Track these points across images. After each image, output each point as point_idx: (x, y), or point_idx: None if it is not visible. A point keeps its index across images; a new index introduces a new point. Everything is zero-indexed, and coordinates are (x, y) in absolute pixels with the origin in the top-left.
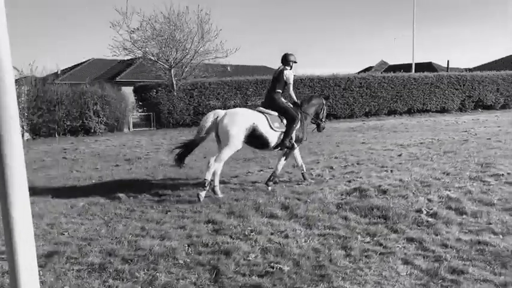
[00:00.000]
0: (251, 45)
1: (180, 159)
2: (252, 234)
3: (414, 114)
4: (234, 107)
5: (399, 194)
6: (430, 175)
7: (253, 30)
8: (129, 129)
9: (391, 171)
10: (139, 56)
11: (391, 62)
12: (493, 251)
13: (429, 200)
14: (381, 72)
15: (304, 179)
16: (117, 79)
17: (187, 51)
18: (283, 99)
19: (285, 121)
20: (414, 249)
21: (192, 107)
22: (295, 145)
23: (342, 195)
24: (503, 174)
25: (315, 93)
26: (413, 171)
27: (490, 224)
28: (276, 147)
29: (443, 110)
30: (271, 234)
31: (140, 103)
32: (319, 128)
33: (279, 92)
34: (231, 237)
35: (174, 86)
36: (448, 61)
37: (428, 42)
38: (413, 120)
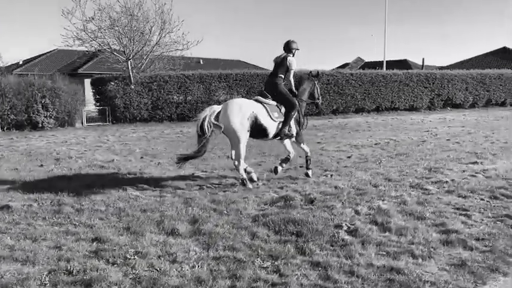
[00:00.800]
0: (227, 39)
1: (184, 161)
2: (133, 257)
3: (382, 113)
4: (196, 101)
5: (326, 205)
6: (370, 181)
7: (229, 24)
8: (82, 124)
9: (331, 175)
10: (95, 46)
11: (368, 59)
12: (402, 282)
13: (356, 212)
14: (357, 69)
15: (283, 164)
16: (80, 71)
17: (144, 42)
18: (283, 86)
19: (283, 110)
20: (315, 279)
21: (150, 102)
22: (294, 134)
23: (265, 204)
24: (447, 182)
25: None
26: (355, 176)
27: (413, 244)
28: (274, 136)
29: (412, 109)
30: (158, 257)
31: (98, 96)
32: (318, 107)
33: (281, 77)
34: (107, 261)
35: (132, 78)
36: (423, 59)
37: (408, 40)
38: (380, 118)
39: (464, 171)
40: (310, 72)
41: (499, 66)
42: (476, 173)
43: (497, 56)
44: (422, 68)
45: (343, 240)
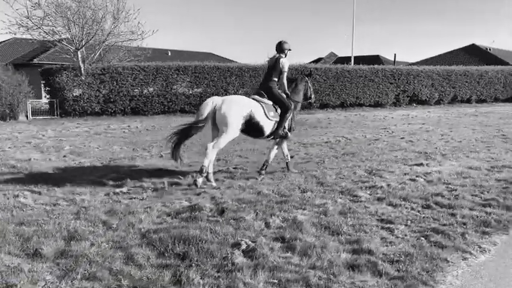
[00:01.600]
0: (201, 32)
1: (176, 148)
2: None
3: (347, 109)
4: (152, 95)
5: (237, 216)
6: (300, 185)
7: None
8: (27, 117)
9: (262, 178)
10: (42, 35)
11: (342, 54)
12: None
13: (267, 225)
14: (330, 64)
15: (288, 169)
16: (35, 61)
17: (95, 31)
18: (277, 89)
19: (279, 110)
20: None
21: (102, 94)
22: (289, 134)
23: (168, 216)
24: (382, 187)
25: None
26: (287, 180)
27: (314, 268)
28: (269, 136)
29: (377, 105)
30: None
31: (48, 88)
32: (311, 104)
33: (275, 81)
34: None
35: (82, 70)
36: (395, 55)
37: (382, 36)
38: (343, 115)
39: (406, 174)
40: (302, 71)
41: (468, 62)
42: (417, 176)
43: (466, 53)
44: (394, 64)
45: (233, 264)
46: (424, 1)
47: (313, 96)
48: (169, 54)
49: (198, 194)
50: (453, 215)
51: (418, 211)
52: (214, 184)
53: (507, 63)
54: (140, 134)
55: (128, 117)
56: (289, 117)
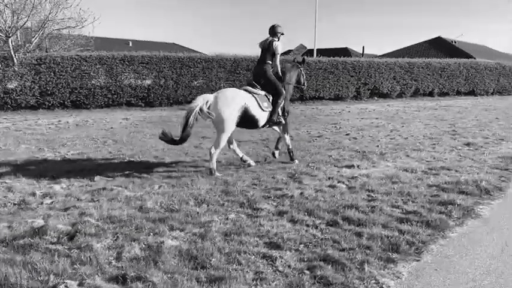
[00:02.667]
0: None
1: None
2: None
3: (307, 102)
4: (94, 86)
5: (88, 242)
6: (197, 196)
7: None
8: None
9: (160, 186)
10: None
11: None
12: None
13: (118, 257)
14: (300, 56)
15: (292, 159)
16: None
17: (27, 17)
18: (271, 72)
19: (271, 98)
20: None
21: (37, 86)
22: (282, 120)
23: (2, 243)
24: (292, 196)
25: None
26: (190, 188)
27: None
28: (263, 126)
29: (337, 98)
30: None
31: None
32: (303, 91)
33: (269, 64)
34: None
35: (14, 59)
36: (363, 47)
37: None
38: (299, 108)
39: (330, 178)
40: (295, 59)
41: (434, 55)
42: (340, 181)
43: (432, 45)
44: (362, 56)
45: None
46: None
47: (305, 83)
48: (130, 44)
49: (66, 209)
50: (360, 235)
51: (321, 230)
52: (217, 174)
53: (472, 57)
54: (65, 131)
55: (68, 111)
56: (282, 103)
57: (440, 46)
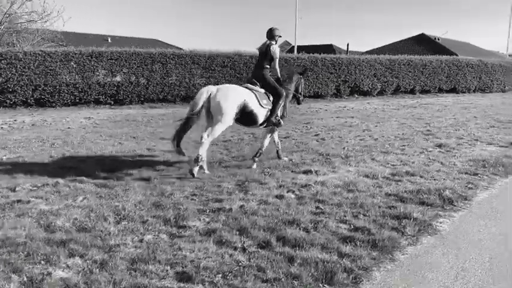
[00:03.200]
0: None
1: (177, 141)
2: None
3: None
4: (60, 84)
5: None
6: (121, 210)
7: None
8: None
9: (84, 198)
10: None
11: (297, 43)
12: None
13: None
14: (285, 53)
15: (280, 158)
16: None
17: None
18: (270, 76)
19: (271, 98)
20: None
21: None
22: (281, 121)
23: None
24: (230, 210)
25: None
26: (121, 198)
27: None
28: (262, 124)
29: (317, 96)
30: None
31: None
32: (298, 101)
33: (267, 68)
34: None
35: None
36: (347, 44)
37: (337, 25)
38: None
39: (281, 186)
40: (296, 68)
41: (417, 52)
42: (290, 191)
43: (415, 43)
44: (347, 53)
45: None
46: None
47: (302, 93)
48: (109, 40)
49: None
50: (292, 260)
51: (249, 254)
52: (207, 172)
53: (455, 54)
54: (17, 131)
55: (30, 109)
56: (282, 105)
57: (423, 43)
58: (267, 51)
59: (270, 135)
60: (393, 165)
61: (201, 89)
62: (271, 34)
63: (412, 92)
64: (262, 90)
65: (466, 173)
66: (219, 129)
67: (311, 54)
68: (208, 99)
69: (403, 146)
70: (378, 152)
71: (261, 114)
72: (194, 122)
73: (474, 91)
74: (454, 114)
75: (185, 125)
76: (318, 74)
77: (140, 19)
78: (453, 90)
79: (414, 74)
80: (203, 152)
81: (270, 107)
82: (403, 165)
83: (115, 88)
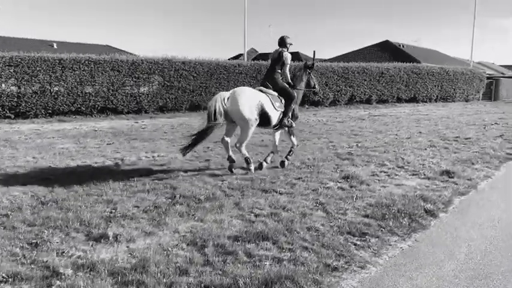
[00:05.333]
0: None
1: (191, 147)
2: None
3: None
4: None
5: None
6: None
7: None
8: None
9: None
10: None
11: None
12: None
13: None
14: (250, 60)
15: (265, 161)
16: None
17: None
18: (281, 80)
19: (283, 101)
20: None
21: None
22: (293, 124)
23: None
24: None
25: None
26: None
27: None
28: (275, 125)
29: None
30: None
31: None
32: (316, 94)
33: (279, 73)
34: None
35: None
36: (314, 51)
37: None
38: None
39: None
40: (305, 63)
41: (381, 59)
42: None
43: (379, 49)
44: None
45: None
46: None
47: (317, 86)
48: (55, 46)
49: None
50: None
51: None
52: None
53: (418, 61)
54: None
55: None
56: (293, 107)
57: (388, 50)
58: (280, 57)
59: (292, 135)
60: (251, 221)
61: (214, 96)
62: (283, 42)
63: (368, 101)
64: (275, 93)
65: (348, 234)
66: (247, 133)
67: (254, 61)
68: (224, 105)
69: (298, 178)
70: (257, 190)
71: (274, 116)
72: (213, 131)
73: (436, 100)
74: (400, 128)
75: (204, 135)
76: None
77: (92, 25)
78: (413, 100)
79: (370, 83)
80: (245, 152)
81: (283, 110)
82: (265, 218)
83: (15, 99)
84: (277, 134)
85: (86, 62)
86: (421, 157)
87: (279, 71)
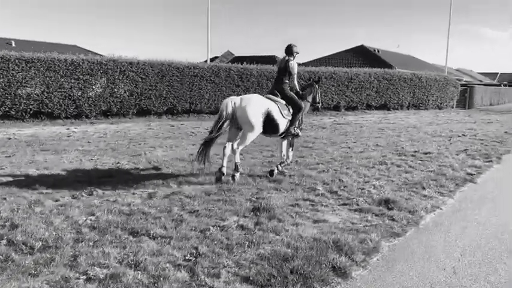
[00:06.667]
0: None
1: (204, 155)
2: None
3: (177, 117)
4: None
5: None
6: None
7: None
8: None
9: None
10: None
11: (239, 53)
12: None
13: None
14: (226, 63)
15: (277, 168)
16: None
17: None
18: (289, 90)
19: (291, 110)
20: None
21: None
22: (300, 133)
23: None
24: None
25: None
26: None
27: None
28: (282, 133)
29: (215, 113)
30: None
31: None
32: (317, 109)
33: (287, 83)
34: None
35: None
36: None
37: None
38: (158, 125)
39: None
40: (312, 77)
41: (355, 64)
42: None
43: (354, 54)
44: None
45: None
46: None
47: (320, 100)
48: (13, 44)
49: None
50: None
51: None
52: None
53: (393, 67)
54: None
55: None
56: (300, 117)
57: (362, 55)
58: (286, 66)
59: (291, 148)
60: None
61: (224, 100)
62: (289, 50)
63: (336, 108)
64: (283, 101)
65: None
66: (250, 138)
67: (212, 63)
68: (233, 110)
69: (192, 212)
70: (117, 229)
71: (282, 124)
72: (219, 136)
73: (408, 108)
74: (358, 139)
75: (211, 142)
76: (220, 86)
77: (65, 25)
78: (384, 107)
79: (338, 89)
80: (238, 159)
81: (290, 118)
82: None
83: None
84: (284, 144)
85: (17, 60)
86: (364, 178)
87: (287, 81)
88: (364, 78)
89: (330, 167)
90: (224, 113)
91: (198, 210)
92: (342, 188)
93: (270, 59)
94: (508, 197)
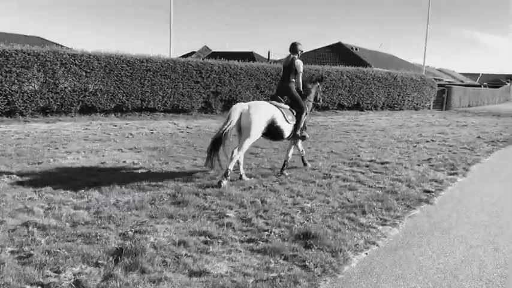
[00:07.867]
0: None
1: (212, 156)
2: None
3: (128, 115)
4: None
5: None
6: None
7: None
8: None
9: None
10: None
11: (216, 49)
12: None
13: None
14: (203, 59)
15: (304, 164)
16: None
17: None
18: (295, 90)
19: (295, 113)
20: None
21: None
22: (307, 135)
23: None
24: None
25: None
26: None
27: None
28: (288, 138)
29: (177, 110)
30: None
31: None
32: (318, 107)
33: (293, 82)
34: None
35: None
36: (269, 52)
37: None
38: (98, 126)
39: None
40: (313, 75)
41: (333, 61)
42: None
43: (331, 51)
44: (268, 61)
45: None
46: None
47: (321, 99)
48: None
49: None
50: None
51: None
52: (247, 179)
53: (370, 65)
54: None
55: None
56: (305, 118)
57: (340, 52)
58: (291, 65)
59: (293, 148)
60: None
61: (233, 105)
62: (294, 48)
63: None
64: (287, 107)
65: None
66: (247, 143)
67: (168, 58)
68: (240, 116)
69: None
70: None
71: (287, 129)
72: (227, 138)
73: (382, 108)
74: (315, 144)
75: (219, 143)
76: (177, 82)
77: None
78: (357, 107)
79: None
80: (231, 166)
81: (295, 122)
82: None
83: None
84: (299, 144)
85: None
86: (295, 199)
87: (293, 80)
88: (336, 77)
89: (261, 182)
90: (232, 118)
91: (32, 254)
92: (261, 213)
93: (246, 55)
94: (466, 223)
